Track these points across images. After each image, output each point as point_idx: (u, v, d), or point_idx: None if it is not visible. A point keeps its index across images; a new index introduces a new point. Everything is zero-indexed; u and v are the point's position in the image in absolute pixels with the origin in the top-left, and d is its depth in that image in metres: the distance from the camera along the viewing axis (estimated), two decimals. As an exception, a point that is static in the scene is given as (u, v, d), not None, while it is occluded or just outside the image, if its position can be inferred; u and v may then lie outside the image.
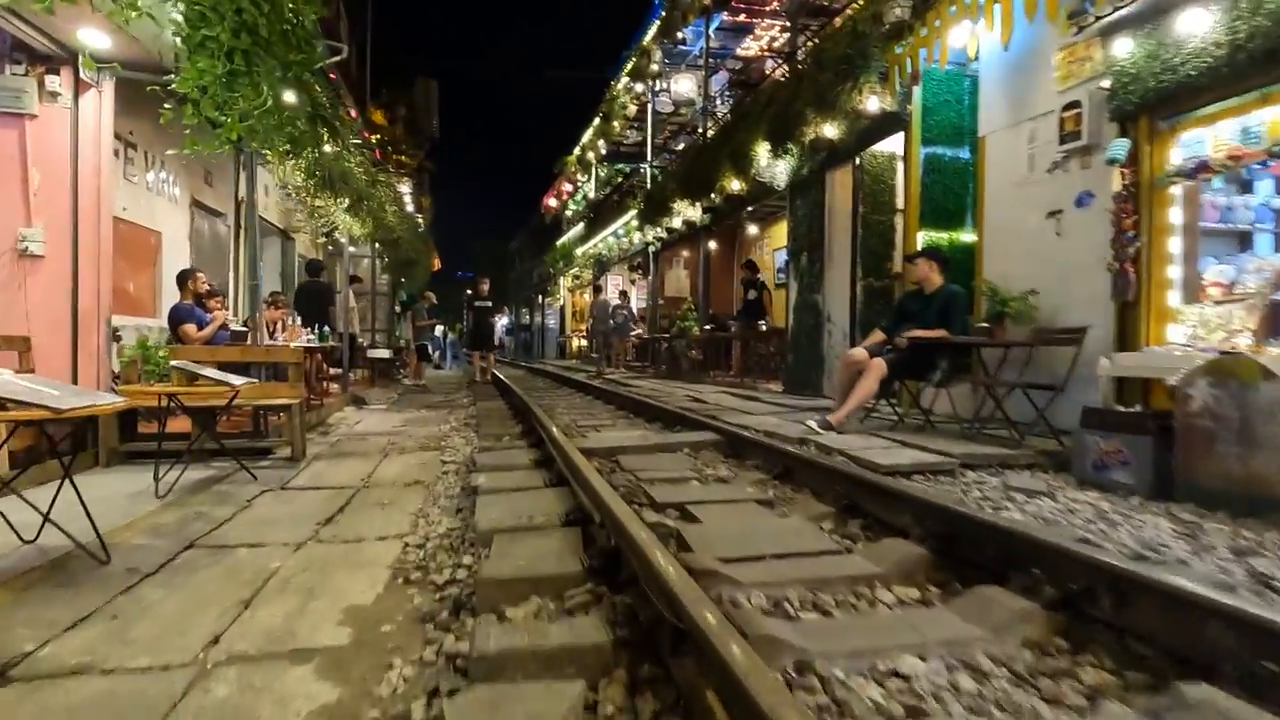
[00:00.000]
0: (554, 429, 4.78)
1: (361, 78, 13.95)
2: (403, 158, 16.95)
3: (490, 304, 12.76)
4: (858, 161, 7.05)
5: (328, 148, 5.41)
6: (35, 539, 2.80)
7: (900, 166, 7.13)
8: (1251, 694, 1.48)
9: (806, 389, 7.84)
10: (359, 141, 5.66)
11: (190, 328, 5.82)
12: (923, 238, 6.07)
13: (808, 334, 7.89)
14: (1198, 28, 3.79)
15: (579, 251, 20.15)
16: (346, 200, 5.97)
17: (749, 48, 13.64)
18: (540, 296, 29.50)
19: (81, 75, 4.36)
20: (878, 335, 5.13)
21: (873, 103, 6.25)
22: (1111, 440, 3.41)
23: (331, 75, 5.61)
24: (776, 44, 11.45)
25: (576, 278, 22.50)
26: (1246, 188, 4.64)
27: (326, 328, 8.54)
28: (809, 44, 7.80)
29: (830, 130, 7.08)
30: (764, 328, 9.57)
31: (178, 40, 3.46)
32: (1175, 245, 4.19)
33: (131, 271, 6.12)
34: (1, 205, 4.32)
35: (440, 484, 4.08)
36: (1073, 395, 3.98)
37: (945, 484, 3.53)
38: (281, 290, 10.56)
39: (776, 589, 2.18)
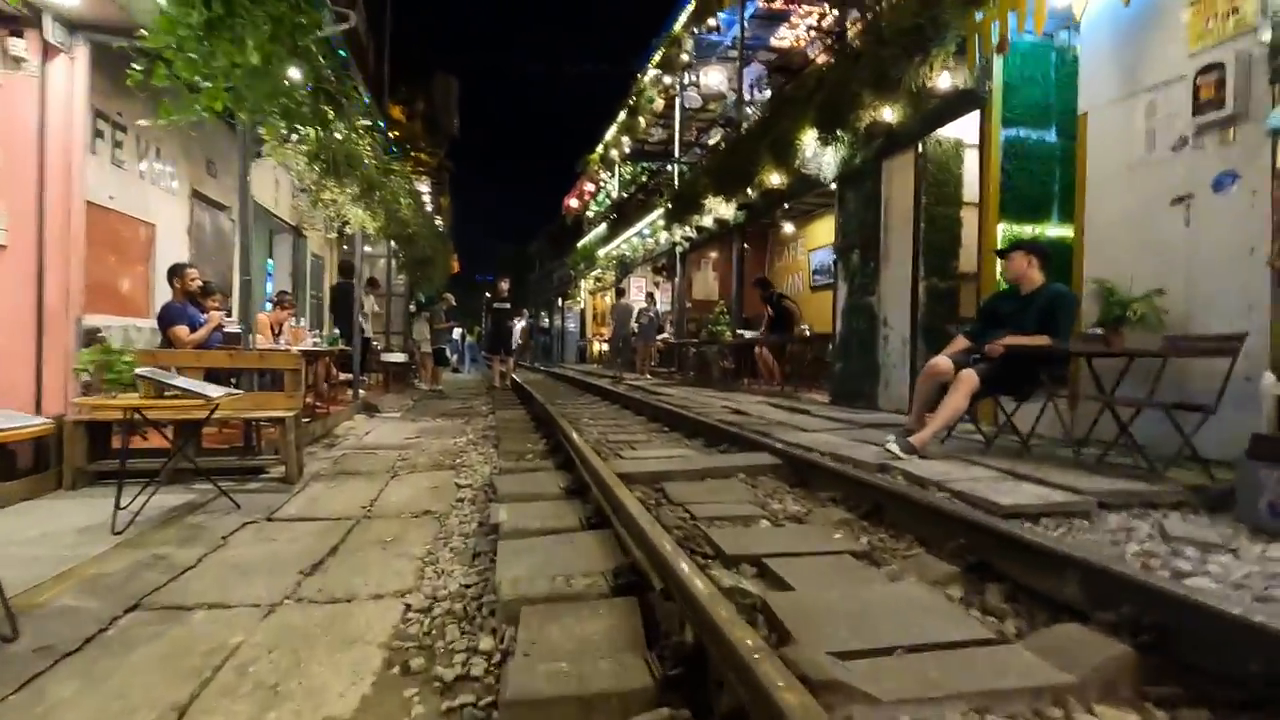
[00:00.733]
0: (585, 448, 4.12)
1: (380, 71, 13.46)
2: (422, 155, 16.45)
3: (509, 305, 12.16)
4: (920, 148, 6.33)
5: (336, 134, 4.80)
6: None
7: (969, 153, 6.40)
8: None
9: (858, 401, 7.11)
10: (369, 123, 5.07)
11: (181, 330, 5.25)
12: (1003, 231, 5.33)
13: (860, 340, 7.17)
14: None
15: (601, 253, 19.52)
16: (356, 189, 5.37)
17: (783, 37, 12.94)
18: (560, 299, 28.94)
19: (48, 38, 3.79)
20: (961, 342, 4.41)
21: (944, 79, 5.53)
22: (1298, 477, 2.68)
23: (342, 51, 5.01)
24: (825, 22, 10.70)
25: (599, 279, 21.89)
26: None
27: (337, 330, 7.99)
28: (860, 21, 7.07)
29: (889, 114, 6.37)
30: (806, 333, 8.86)
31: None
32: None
33: (121, 267, 5.57)
34: (-43, 187, 3.76)
35: (454, 516, 3.43)
36: (1220, 417, 3.23)
37: (1085, 531, 2.81)
38: (293, 290, 10.05)
39: (932, 711, 1.50)
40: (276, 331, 7.06)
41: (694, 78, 14.01)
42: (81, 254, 4.05)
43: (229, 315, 6.01)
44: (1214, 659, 1.63)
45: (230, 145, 7.27)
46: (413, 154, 15.93)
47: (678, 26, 12.16)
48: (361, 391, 9.28)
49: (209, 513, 3.47)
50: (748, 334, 10.00)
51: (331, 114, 4.48)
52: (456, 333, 21.19)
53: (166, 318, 5.25)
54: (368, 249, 12.97)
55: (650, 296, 15.62)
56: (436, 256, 10.72)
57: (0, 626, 1.96)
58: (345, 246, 7.87)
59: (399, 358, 10.18)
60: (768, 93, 12.13)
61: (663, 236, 14.17)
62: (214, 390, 3.21)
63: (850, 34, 7.24)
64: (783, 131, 8.02)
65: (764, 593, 2.14)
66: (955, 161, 6.41)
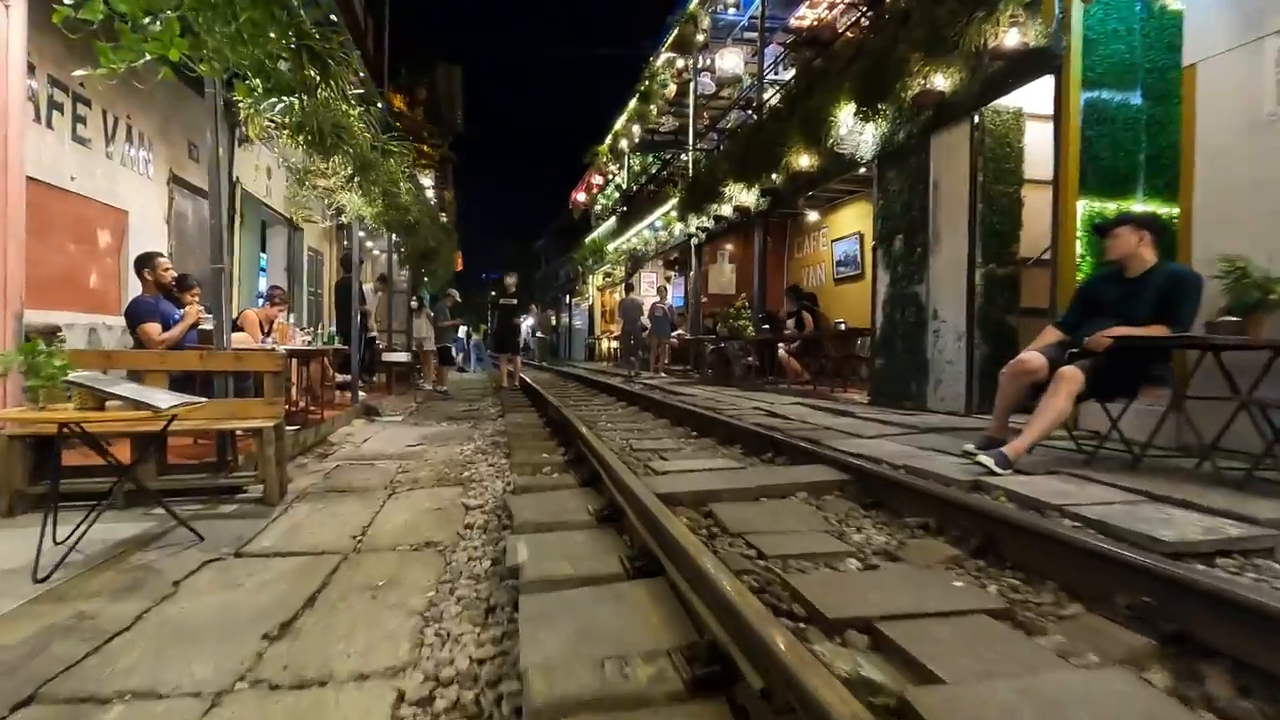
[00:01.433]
0: (613, 460, 3.51)
1: (380, 55, 12.84)
2: (425, 147, 15.83)
3: (516, 302, 11.54)
4: (976, 119, 5.67)
5: (324, 101, 4.18)
6: None
7: (1031, 126, 5.75)
8: None
9: (903, 401, 6.47)
10: (362, 91, 4.45)
11: (152, 327, 4.65)
12: (1083, 209, 4.68)
13: (905, 334, 6.52)
14: None
15: (610, 247, 18.89)
16: (347, 168, 4.76)
17: (803, 16, 12.27)
18: (567, 296, 28.34)
19: (-26, -20, 3.18)
20: (1051, 334, 3.78)
21: (1012, 37, 4.88)
22: None
23: (332, 17, 4.39)
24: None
25: (608, 275, 21.27)
26: None
27: (334, 328, 7.39)
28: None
29: (941, 81, 5.72)
30: (842, 327, 8.21)
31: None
32: None
33: (86, 258, 4.98)
34: None
35: (462, 548, 2.82)
36: None
37: (1274, 575, 2.17)
38: (288, 286, 9.46)
39: None
40: (267, 330, 6.47)
41: (708, 60, 13.35)
42: (21, 239, 3.44)
43: (209, 311, 5.42)
44: None
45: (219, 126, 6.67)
46: (415, 145, 15.33)
47: (694, 3, 11.50)
48: (361, 394, 8.69)
49: (165, 547, 2.86)
50: (787, 330, 9.31)
51: (317, 77, 3.85)
52: (461, 331, 20.60)
53: (135, 314, 4.66)
54: (369, 244, 12.39)
55: (661, 291, 14.99)
56: (440, 250, 10.11)
57: None
58: (345, 242, 7.28)
59: (401, 357, 9.59)
60: (789, 73, 11.47)
61: (677, 228, 13.54)
62: (164, 399, 2.60)
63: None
64: (814, 108, 7.38)
65: (900, 685, 1.52)
66: (1015, 134, 5.75)
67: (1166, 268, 3.43)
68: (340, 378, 7.94)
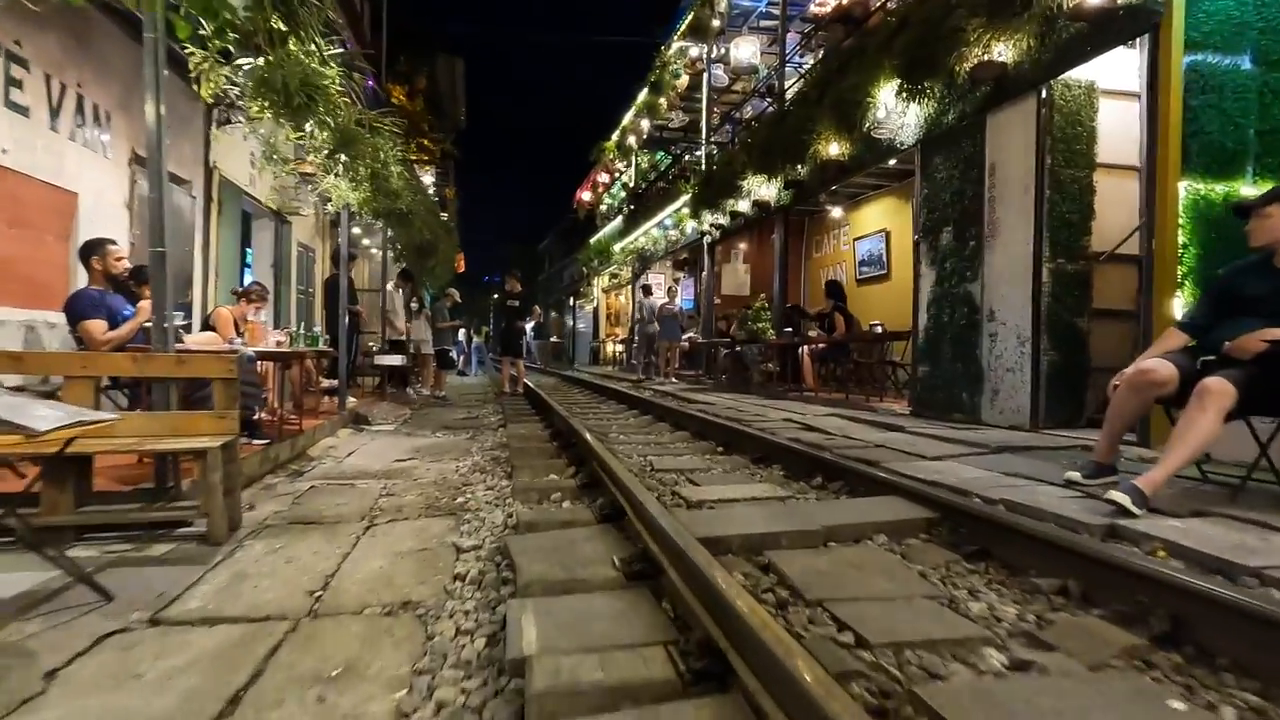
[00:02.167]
0: (636, 488, 2.84)
1: (377, 44, 12.21)
2: (425, 141, 15.18)
3: (518, 304, 10.87)
4: (1043, 94, 4.99)
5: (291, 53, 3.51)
6: None
7: (1105, 103, 5.08)
8: None
9: (952, 412, 5.77)
10: (341, 50, 3.78)
11: (95, 324, 3.98)
12: (1185, 192, 3.99)
13: (955, 337, 5.83)
14: None
15: (617, 247, 18.21)
16: (322, 137, 4.08)
17: (824, 3, 11.60)
18: (571, 299, 27.66)
19: None
20: (1176, 337, 3.09)
21: (1098, -8, 4.21)
22: None
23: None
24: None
25: (614, 276, 20.59)
26: None
27: (318, 328, 6.72)
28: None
29: (1003, 52, 5.06)
30: (879, 329, 7.51)
31: None
32: None
33: (22, 244, 4.31)
34: None
35: (448, 616, 2.13)
36: None
37: None
38: (275, 284, 8.80)
39: None
40: (241, 329, 5.80)
41: (722, 50, 12.68)
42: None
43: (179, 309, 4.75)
44: None
45: (189, 105, 6.04)
46: (415, 138, 14.68)
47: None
48: (351, 400, 8.01)
49: (58, 611, 2.18)
50: (814, 332, 8.58)
51: (282, 25, 3.18)
52: (461, 333, 19.93)
53: (75, 309, 3.99)
54: (366, 242, 11.72)
55: (671, 292, 14.32)
56: (439, 246, 9.45)
57: None
58: (340, 240, 6.65)
59: (395, 360, 8.92)
60: (810, 61, 10.80)
61: (689, 226, 12.87)
62: (47, 418, 1.93)
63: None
64: (848, 89, 6.70)
65: None
66: (1088, 111, 5.07)
67: (1336, 254, 2.75)
68: (327, 383, 7.27)
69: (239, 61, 3.36)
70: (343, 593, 2.36)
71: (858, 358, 7.92)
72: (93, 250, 4.16)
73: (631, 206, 17.61)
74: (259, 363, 4.84)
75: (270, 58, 3.30)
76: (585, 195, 22.80)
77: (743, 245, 13.41)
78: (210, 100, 3.28)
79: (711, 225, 11.60)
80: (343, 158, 5.22)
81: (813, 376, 8.54)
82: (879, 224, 10.71)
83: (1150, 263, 4.14)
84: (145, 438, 2.90)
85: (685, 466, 4.35)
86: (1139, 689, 1.51)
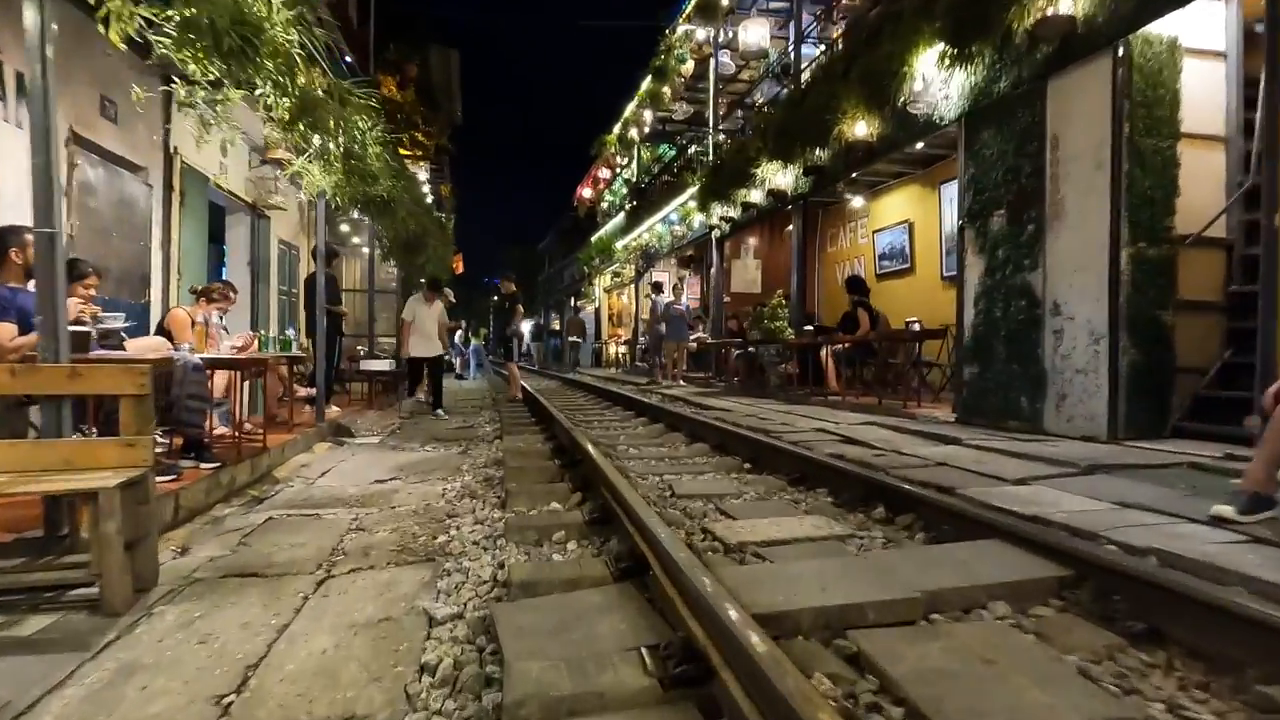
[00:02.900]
0: (668, 542, 2.16)
1: (364, 33, 11.54)
2: (418, 134, 14.49)
3: (509, 305, 10.16)
4: (1120, 52, 4.30)
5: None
6: None
7: (1191, 63, 4.40)
8: None
9: (1007, 420, 5.08)
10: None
11: (3, 328, 3.30)
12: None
13: (1010, 335, 5.14)
14: None
15: (619, 245, 17.51)
16: (280, 109, 3.40)
17: (838, -17, 10.91)
18: (572, 299, 26.97)
19: None
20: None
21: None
22: None
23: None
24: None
25: (616, 275, 19.90)
26: None
27: (291, 331, 6.05)
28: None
29: (1068, 3, 4.37)
30: (916, 326, 6.81)
31: None
32: None
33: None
34: None
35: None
36: None
37: None
38: (254, 285, 8.12)
39: None
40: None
41: (730, 34, 12.00)
42: None
43: (108, 312, 4.08)
44: None
45: (143, 79, 5.34)
46: (408, 131, 13.99)
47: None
48: (334, 410, 7.33)
49: None
50: (841, 336, 7.79)
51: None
52: (458, 335, 19.21)
53: (-22, 309, 3.31)
54: (356, 240, 11.03)
55: (677, 290, 13.61)
56: (429, 240, 8.76)
57: None
58: (318, 233, 5.94)
59: (382, 365, 8.24)
60: (825, 39, 10.11)
61: (696, 220, 12.18)
62: None
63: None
64: (880, 60, 6.01)
65: None
66: (1171, 73, 4.39)
67: None
68: (304, 392, 6.59)
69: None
70: (264, 700, 1.68)
71: (889, 358, 7.23)
72: (7, 240, 3.48)
73: (634, 202, 16.92)
74: (211, 372, 4.15)
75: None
76: (586, 192, 22.11)
77: (753, 240, 12.72)
78: (123, 44, 2.59)
79: (721, 218, 10.91)
80: (316, 140, 4.55)
81: (837, 379, 7.85)
82: (901, 215, 10.01)
83: (1275, 243, 3.45)
84: (21, 474, 2.22)
85: (711, 491, 3.66)
86: None
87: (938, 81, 5.66)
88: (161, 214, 5.94)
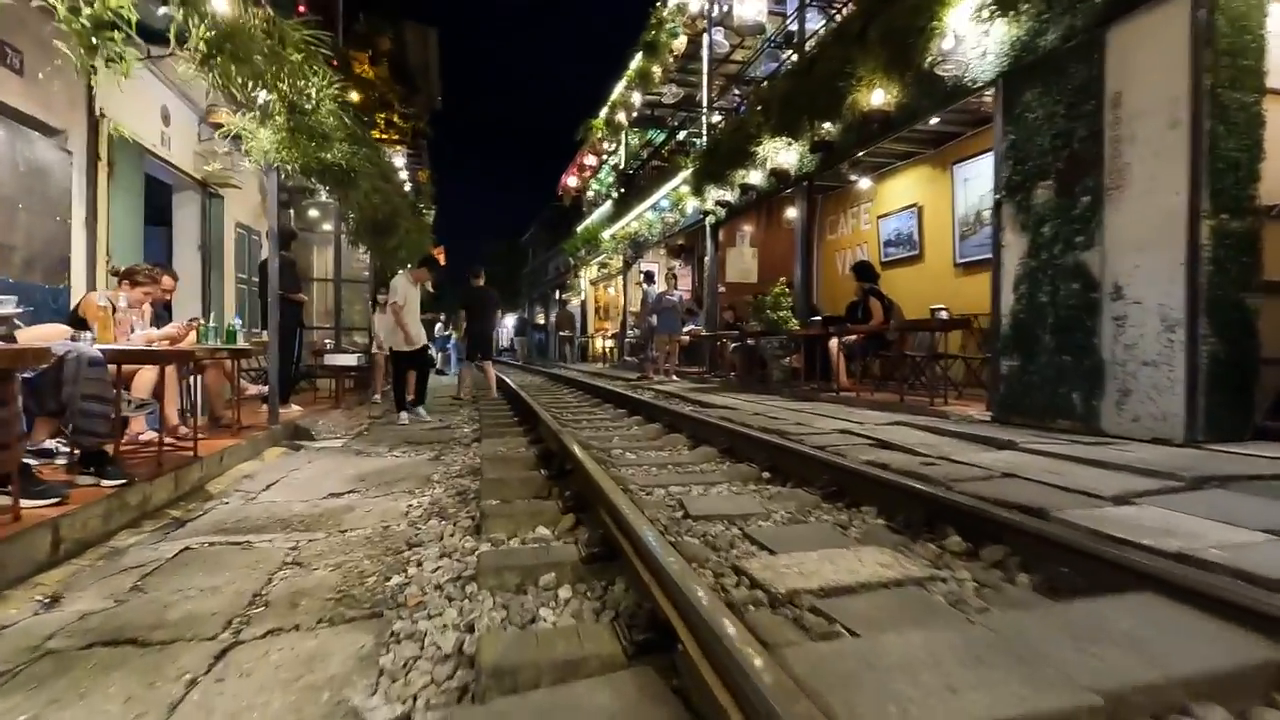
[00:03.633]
0: (695, 595, 1.49)
1: (333, 2, 10.71)
2: (394, 116, 13.65)
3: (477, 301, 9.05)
4: (1200, -8, 3.68)
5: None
6: None
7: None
8: None
9: (1054, 418, 4.48)
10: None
11: None
12: None
13: (1059, 322, 4.53)
14: None
15: (606, 234, 16.79)
16: (195, 35, 2.67)
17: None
18: (557, 292, 26.21)
19: None
20: None
21: None
22: None
23: None
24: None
25: (603, 266, 19.18)
26: None
27: (237, 321, 5.30)
28: None
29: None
30: (944, 314, 6.18)
31: None
32: None
33: None
34: None
35: None
36: None
37: None
38: (205, 271, 7.34)
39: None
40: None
41: (724, 8, 11.32)
42: None
43: (5, 295, 3.33)
44: None
45: (57, 30, 4.56)
46: (380, 114, 13.15)
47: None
48: (295, 409, 6.59)
49: None
50: (855, 327, 7.05)
51: None
52: (438, 327, 18.40)
53: None
54: (328, 227, 10.21)
55: (669, 279, 12.93)
56: (400, 222, 7.99)
57: None
58: (268, 209, 5.14)
59: (348, 360, 7.49)
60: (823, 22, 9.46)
61: (689, 205, 11.50)
62: None
63: None
64: (904, 15, 5.37)
65: None
66: (1257, 15, 3.78)
67: None
68: (255, 389, 5.85)
69: None
70: None
71: (907, 351, 6.60)
72: None
73: (622, 190, 16.21)
74: (119, 368, 3.42)
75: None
76: (571, 181, 21.33)
77: (748, 227, 12.06)
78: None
79: (717, 203, 10.25)
80: (262, 96, 3.81)
81: (845, 373, 7.23)
82: (909, 198, 9.41)
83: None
84: None
85: (732, 510, 3.00)
86: None
87: (972, 37, 5.02)
88: (85, 186, 5.16)
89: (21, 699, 1.61)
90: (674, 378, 10.82)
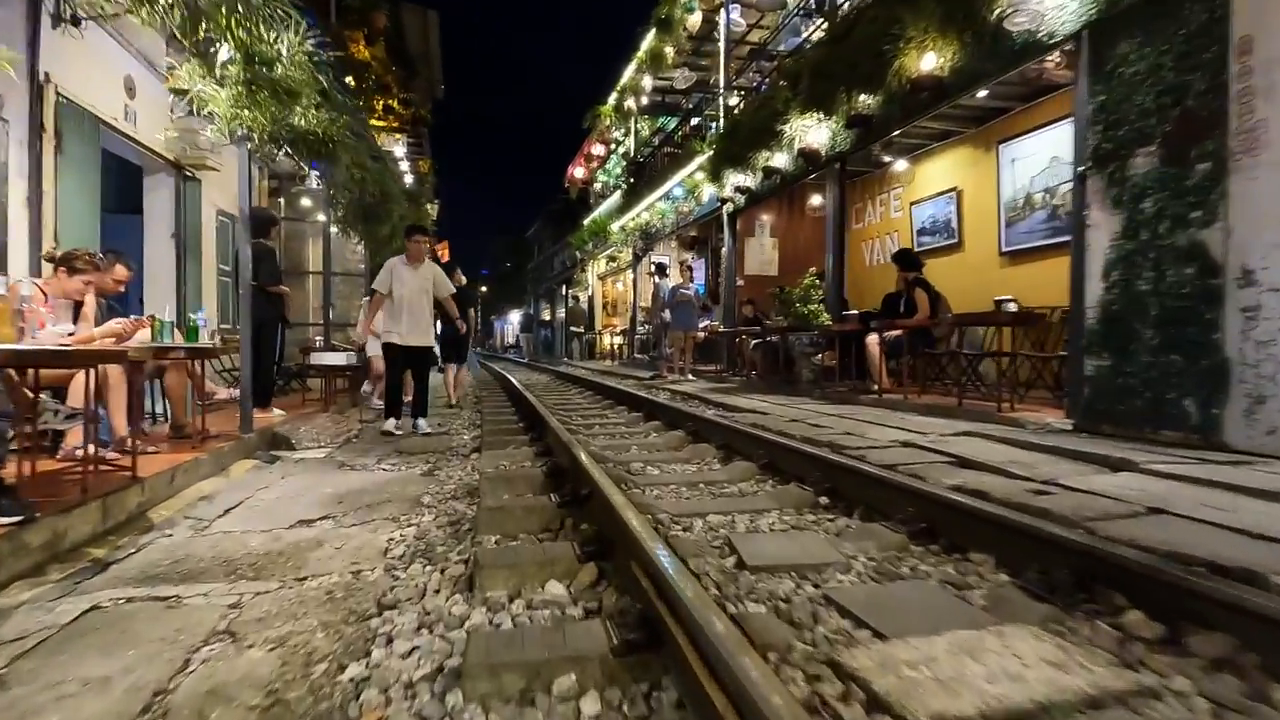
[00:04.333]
0: None
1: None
2: (393, 102, 12.97)
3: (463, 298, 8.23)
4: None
5: None
6: None
7: None
8: None
9: (1158, 428, 3.78)
10: None
11: None
12: None
13: (1165, 315, 3.82)
14: None
15: (615, 226, 16.08)
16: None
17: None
18: (564, 287, 25.52)
19: None
20: None
21: None
22: None
23: None
24: None
25: (612, 260, 18.48)
26: None
27: (202, 315, 4.65)
28: None
29: None
30: (1014, 307, 5.45)
31: None
32: None
33: None
34: None
35: None
36: None
37: None
38: (180, 262, 6.69)
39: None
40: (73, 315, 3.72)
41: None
42: None
43: None
44: None
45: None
46: (378, 99, 12.48)
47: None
48: (277, 414, 5.93)
49: None
50: (899, 321, 6.26)
51: None
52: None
53: None
54: (322, 217, 9.53)
55: (684, 272, 12.22)
56: (394, 207, 7.31)
57: None
58: (239, 189, 4.44)
59: (337, 359, 6.83)
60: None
61: (706, 193, 10.79)
62: None
63: None
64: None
65: None
66: None
67: None
68: (225, 393, 5.20)
69: None
70: None
71: (956, 347, 5.89)
72: None
73: (631, 179, 15.49)
74: (26, 372, 2.75)
75: None
76: (578, 171, 20.61)
77: (768, 217, 11.34)
78: None
79: (736, 189, 9.53)
80: (222, 52, 3.14)
81: (884, 373, 6.52)
82: (946, 182, 8.68)
83: None
84: None
85: (800, 557, 2.31)
86: None
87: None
88: (27, 162, 4.50)
89: None
90: (690, 377, 10.13)
